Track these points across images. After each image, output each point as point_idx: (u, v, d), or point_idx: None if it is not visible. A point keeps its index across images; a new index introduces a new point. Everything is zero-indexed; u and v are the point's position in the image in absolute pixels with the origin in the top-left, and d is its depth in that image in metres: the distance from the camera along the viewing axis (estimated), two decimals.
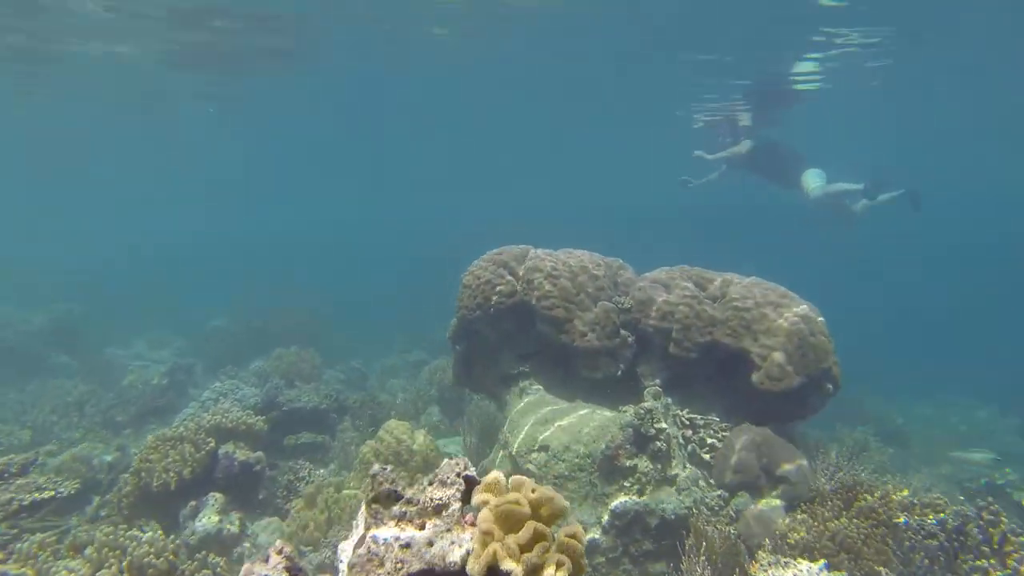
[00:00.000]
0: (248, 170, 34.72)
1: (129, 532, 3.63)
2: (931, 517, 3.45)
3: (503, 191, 46.43)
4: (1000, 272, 34.94)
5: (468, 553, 1.38)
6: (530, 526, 1.33)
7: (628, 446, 3.87)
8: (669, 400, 4.38)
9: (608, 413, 4.27)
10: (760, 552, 3.31)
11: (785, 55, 11.98)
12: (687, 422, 4.26)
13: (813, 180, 9.77)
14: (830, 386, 4.26)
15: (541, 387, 4.65)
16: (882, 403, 14.39)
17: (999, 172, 31.61)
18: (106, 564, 3.30)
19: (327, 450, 5.81)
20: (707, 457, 4.17)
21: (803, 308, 4.26)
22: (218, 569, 3.48)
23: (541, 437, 4.11)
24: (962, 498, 8.05)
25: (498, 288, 4.62)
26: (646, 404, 3.93)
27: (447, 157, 30.34)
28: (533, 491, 1.41)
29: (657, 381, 4.45)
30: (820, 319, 4.29)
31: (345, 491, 4.28)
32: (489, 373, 4.89)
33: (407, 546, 1.44)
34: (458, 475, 1.57)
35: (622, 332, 4.50)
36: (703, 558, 3.19)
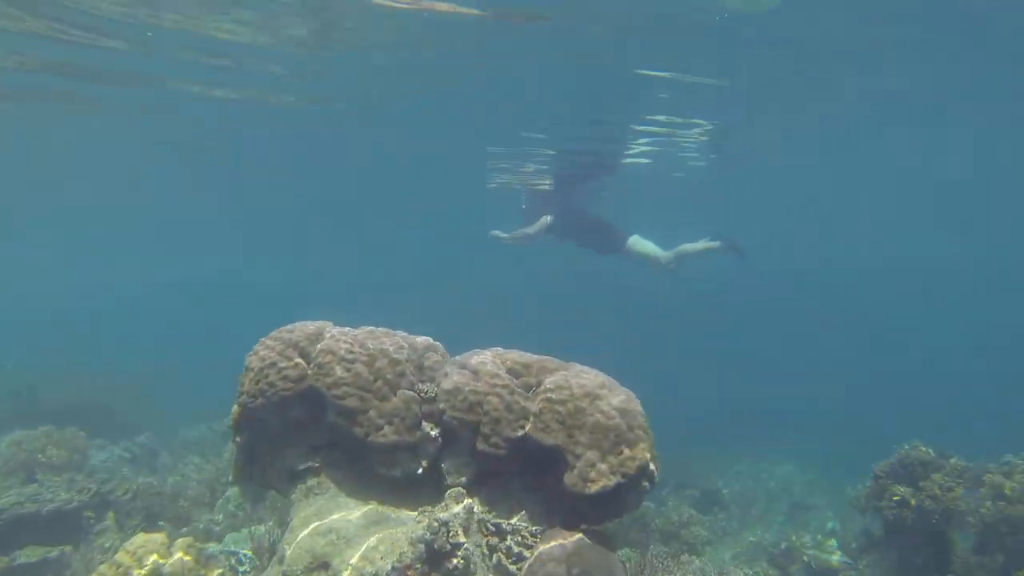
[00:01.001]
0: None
1: None
2: None
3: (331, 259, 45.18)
4: (811, 330, 39.20)
5: None
6: None
7: (419, 565, 3.30)
8: (474, 502, 3.91)
9: (405, 520, 3.69)
10: None
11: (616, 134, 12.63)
12: (493, 528, 3.78)
13: (644, 246, 10.13)
14: (647, 484, 4.01)
15: (333, 486, 3.98)
16: (707, 463, 15.10)
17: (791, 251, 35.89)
18: None
19: (65, 567, 4.61)
20: (515, 568, 3.70)
21: (621, 399, 4.00)
22: None
23: (320, 551, 3.46)
24: (766, 564, 8.35)
25: (285, 372, 3.93)
26: (441, 515, 3.40)
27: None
28: None
29: (463, 479, 3.96)
30: (639, 411, 4.05)
31: None
32: (275, 468, 4.13)
33: None
34: None
35: (424, 425, 3.96)
36: None
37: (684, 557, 6.20)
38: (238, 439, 4.29)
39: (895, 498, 5.89)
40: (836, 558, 7.68)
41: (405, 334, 4.55)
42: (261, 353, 4.00)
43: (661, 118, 11.53)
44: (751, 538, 9.82)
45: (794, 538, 8.19)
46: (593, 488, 3.68)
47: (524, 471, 4.14)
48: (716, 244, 9.56)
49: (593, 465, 3.71)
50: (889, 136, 14.95)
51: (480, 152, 14.25)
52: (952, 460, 6.06)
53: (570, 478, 3.72)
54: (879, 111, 12.25)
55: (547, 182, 15.53)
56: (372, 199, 24.67)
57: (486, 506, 4.04)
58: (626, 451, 3.82)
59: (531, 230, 10.52)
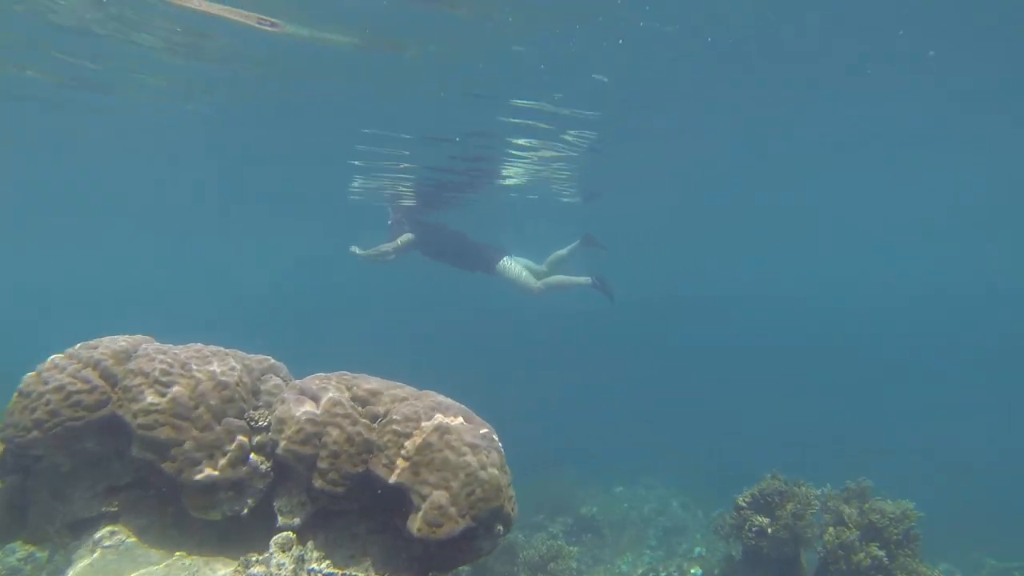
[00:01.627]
0: None
1: None
2: None
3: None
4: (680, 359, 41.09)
5: None
6: None
7: None
8: (309, 548, 3.45)
9: (220, 574, 3.17)
10: None
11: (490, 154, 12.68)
12: None
13: (515, 270, 10.06)
14: (501, 528, 3.73)
15: (133, 535, 3.37)
16: (583, 486, 15.14)
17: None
18: None
19: None
20: None
21: (476, 435, 3.68)
22: None
23: None
24: None
25: (76, 398, 3.30)
26: (255, 571, 2.92)
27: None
28: None
29: (296, 520, 3.49)
30: (496, 448, 3.76)
31: None
32: (56, 516, 3.44)
33: None
34: None
35: (252, 458, 3.46)
36: None
37: None
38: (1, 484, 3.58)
39: (754, 528, 5.97)
40: None
41: (243, 354, 4.03)
42: (45, 374, 3.35)
43: (528, 143, 11.72)
44: (623, 566, 9.82)
45: (660, 569, 8.18)
46: (439, 533, 3.33)
47: (371, 511, 3.74)
48: (587, 281, 9.79)
49: (440, 507, 3.37)
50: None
51: (341, 163, 13.78)
52: (803, 488, 6.25)
53: (414, 521, 3.35)
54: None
55: (410, 198, 15.28)
56: (227, 209, 23.46)
57: (324, 551, 3.60)
58: (478, 492, 3.50)
59: (390, 247, 10.23)
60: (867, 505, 5.81)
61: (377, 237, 10.68)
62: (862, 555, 5.47)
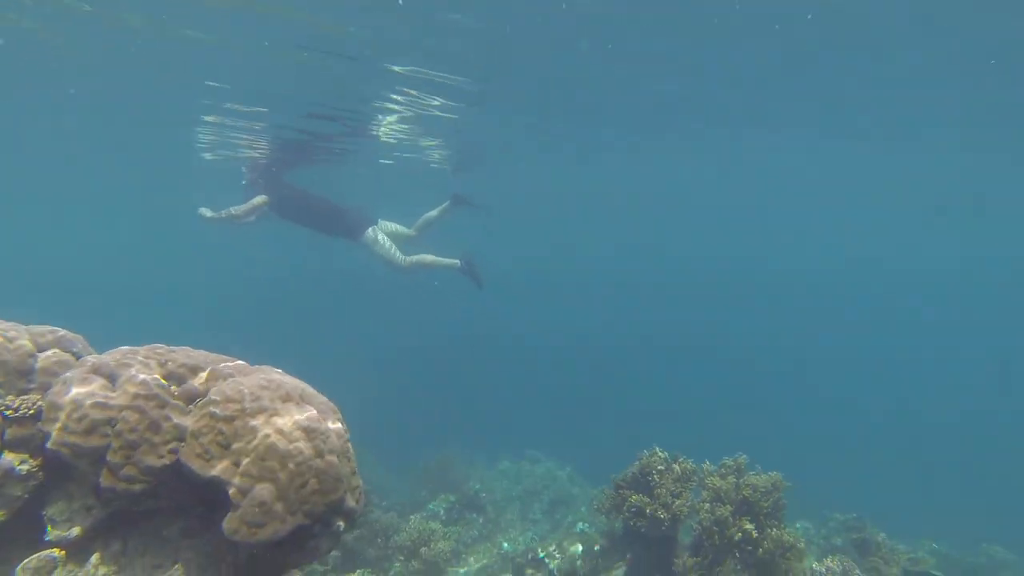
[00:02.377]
0: None
1: None
2: None
3: None
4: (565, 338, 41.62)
5: None
6: None
7: None
8: (96, 562, 2.79)
9: None
10: None
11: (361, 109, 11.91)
12: None
13: (383, 241, 9.46)
14: (342, 523, 3.22)
15: None
16: (466, 465, 14.85)
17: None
18: None
19: None
20: None
21: (312, 415, 3.13)
22: None
23: None
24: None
25: None
26: None
27: None
28: None
29: (74, 530, 2.81)
30: (336, 431, 3.21)
31: None
32: None
33: None
34: None
35: (5, 456, 2.72)
36: None
37: None
38: None
39: (632, 508, 5.81)
40: (579, 564, 7.60)
41: (21, 325, 3.23)
42: None
43: (397, 105, 11.11)
44: (505, 544, 9.59)
45: (540, 546, 7.97)
46: (260, 535, 2.77)
47: (189, 509, 3.11)
48: (456, 264, 9.38)
49: (262, 504, 2.79)
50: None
51: (191, 118, 12.50)
52: (682, 465, 6.16)
53: (231, 522, 2.77)
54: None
55: (264, 156, 14.08)
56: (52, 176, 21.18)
57: (118, 563, 2.95)
58: (312, 484, 2.96)
59: (241, 209, 9.29)
60: (742, 480, 5.79)
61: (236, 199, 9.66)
62: (734, 529, 5.44)
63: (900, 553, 7.18)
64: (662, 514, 5.70)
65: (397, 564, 7.58)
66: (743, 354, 38.73)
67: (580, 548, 7.80)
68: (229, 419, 2.94)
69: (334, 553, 7.40)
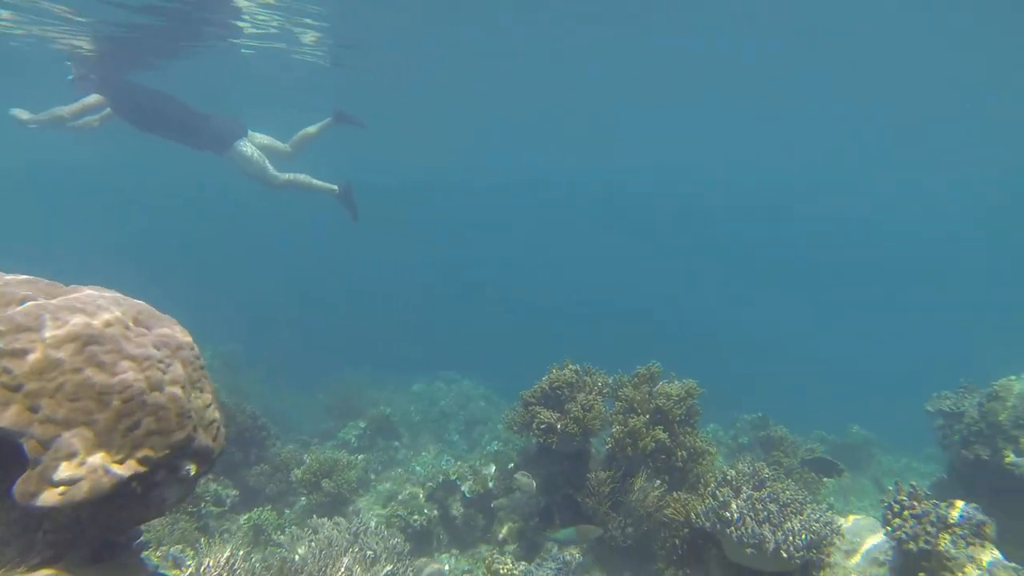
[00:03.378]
0: None
1: None
2: None
3: None
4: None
5: None
6: None
7: None
8: None
9: None
10: None
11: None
12: None
13: (252, 155, 8.45)
14: (193, 466, 2.67)
15: None
16: (377, 388, 14.45)
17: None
18: None
19: None
20: None
21: (142, 339, 2.50)
22: None
23: None
24: (424, 500, 7.88)
25: None
26: None
27: None
28: None
29: None
30: (183, 356, 2.62)
31: None
32: None
33: None
34: None
35: None
36: None
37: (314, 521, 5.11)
38: None
39: (542, 425, 5.56)
40: (492, 484, 7.42)
41: None
42: None
43: None
44: (418, 468, 9.31)
45: (452, 469, 7.72)
46: (74, 495, 2.18)
47: None
48: (335, 190, 8.58)
49: (72, 455, 2.19)
50: None
51: None
52: (593, 377, 5.95)
53: (27, 484, 2.16)
54: None
55: (91, 46, 11.84)
56: None
57: None
58: (147, 423, 2.38)
59: (69, 111, 7.94)
60: (655, 389, 5.64)
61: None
62: (648, 440, 5.30)
63: (797, 445, 7.49)
64: (573, 428, 5.49)
65: (301, 499, 7.14)
66: (660, 274, 39.81)
67: (493, 468, 7.61)
68: (22, 354, 2.27)
69: (232, 492, 6.85)
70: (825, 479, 7.31)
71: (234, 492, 6.73)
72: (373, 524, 6.75)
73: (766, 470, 4.53)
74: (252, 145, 8.33)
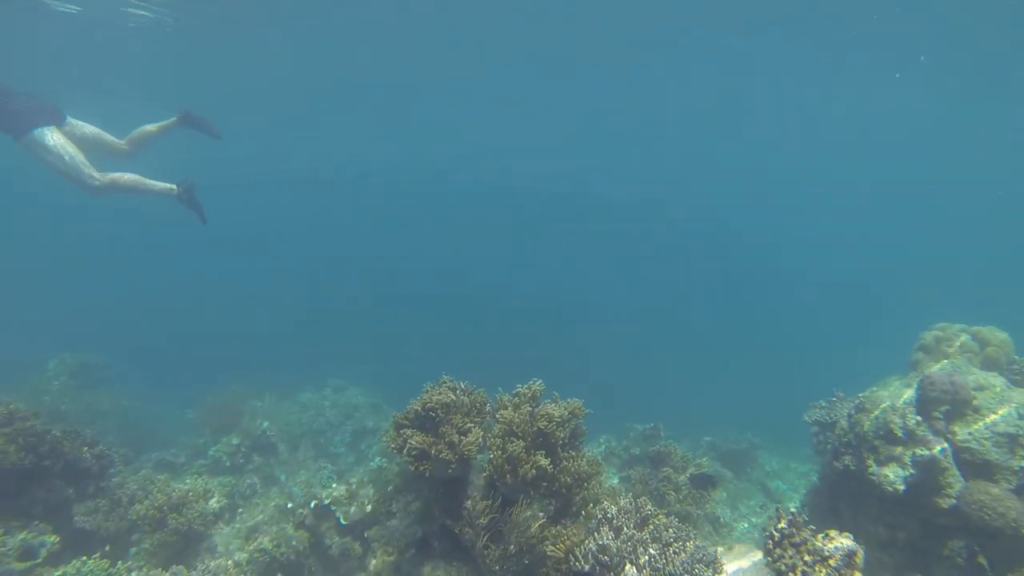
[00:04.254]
0: None
1: None
2: None
3: None
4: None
5: None
6: None
7: None
8: None
9: None
10: None
11: None
12: None
13: (59, 147, 7.24)
14: None
15: None
16: (258, 398, 13.40)
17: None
18: None
19: None
20: None
21: None
22: None
23: None
24: (292, 528, 7.16)
25: None
26: None
27: None
28: None
29: None
30: None
31: None
32: None
33: None
34: None
35: None
36: None
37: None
38: None
39: (413, 451, 5.03)
40: (369, 508, 6.83)
41: None
42: None
43: None
44: (296, 489, 8.52)
45: (326, 492, 7.06)
46: None
47: None
48: (172, 190, 7.51)
49: None
50: None
51: None
52: (473, 396, 5.49)
53: None
54: None
55: None
56: None
57: None
58: None
59: None
60: (537, 410, 5.25)
61: None
62: (528, 466, 4.89)
63: (687, 460, 7.39)
64: (447, 455, 5.00)
65: (145, 538, 6.22)
66: (554, 277, 39.85)
67: (372, 490, 7.01)
68: None
69: (50, 539, 5.83)
70: (712, 492, 7.27)
71: (53, 539, 5.71)
72: (231, 565, 6.01)
73: (649, 505, 4.24)
74: (61, 136, 6.97)
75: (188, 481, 7.47)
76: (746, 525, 8.72)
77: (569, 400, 5.53)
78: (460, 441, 5.07)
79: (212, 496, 6.64)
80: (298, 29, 15.91)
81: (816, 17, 14.34)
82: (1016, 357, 7.81)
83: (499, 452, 5.03)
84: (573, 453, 5.34)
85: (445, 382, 5.71)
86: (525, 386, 5.55)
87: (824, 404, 7.58)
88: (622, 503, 4.22)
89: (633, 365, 22.19)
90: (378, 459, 9.50)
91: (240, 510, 7.60)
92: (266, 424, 10.64)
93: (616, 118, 27.14)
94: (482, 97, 23.74)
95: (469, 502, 5.11)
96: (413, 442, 5.01)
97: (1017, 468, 6.10)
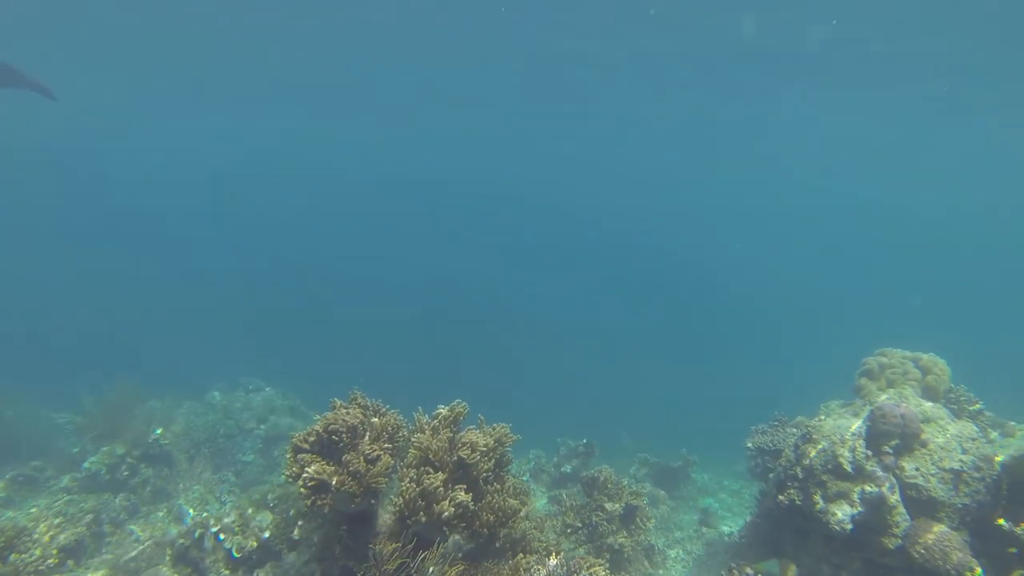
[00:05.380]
0: None
1: None
2: None
3: None
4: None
5: None
6: None
7: None
8: None
9: None
10: None
11: None
12: None
13: None
14: None
15: None
16: (156, 399, 12.16)
17: None
18: None
19: None
20: None
21: None
22: None
23: None
24: (169, 567, 6.20)
25: None
26: None
27: None
28: None
29: None
30: None
31: None
32: None
33: None
34: None
35: None
36: None
37: None
38: None
39: (311, 482, 4.24)
40: (267, 536, 5.96)
41: None
42: None
43: None
44: (189, 510, 7.51)
45: (214, 519, 6.14)
46: None
47: None
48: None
49: None
50: None
51: None
52: (381, 417, 4.73)
53: None
54: None
55: None
56: None
57: None
58: None
59: None
60: (459, 437, 4.55)
61: None
62: (446, 503, 4.19)
63: (621, 487, 6.85)
64: (351, 486, 4.24)
65: None
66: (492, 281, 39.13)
67: (269, 518, 6.14)
68: None
69: None
70: (648, 523, 6.76)
71: None
72: None
73: (583, 571, 3.62)
74: None
75: (40, 504, 6.34)
76: (680, 552, 8.28)
77: (495, 426, 4.86)
78: (367, 471, 4.31)
79: (65, 529, 5.56)
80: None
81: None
82: (951, 385, 7.68)
83: (412, 484, 4.30)
84: (498, 486, 4.67)
85: (356, 398, 4.94)
86: (447, 407, 4.84)
87: (766, 428, 7.21)
88: (551, 565, 3.59)
89: (568, 376, 21.77)
90: (284, 473, 8.55)
91: (110, 540, 6.54)
92: (160, 430, 9.47)
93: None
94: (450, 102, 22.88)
95: (376, 544, 4.36)
96: (310, 471, 4.22)
97: (960, 505, 5.84)
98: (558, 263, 44.42)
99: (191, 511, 7.35)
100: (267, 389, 13.91)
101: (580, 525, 6.57)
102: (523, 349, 25.70)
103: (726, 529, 9.51)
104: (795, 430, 6.82)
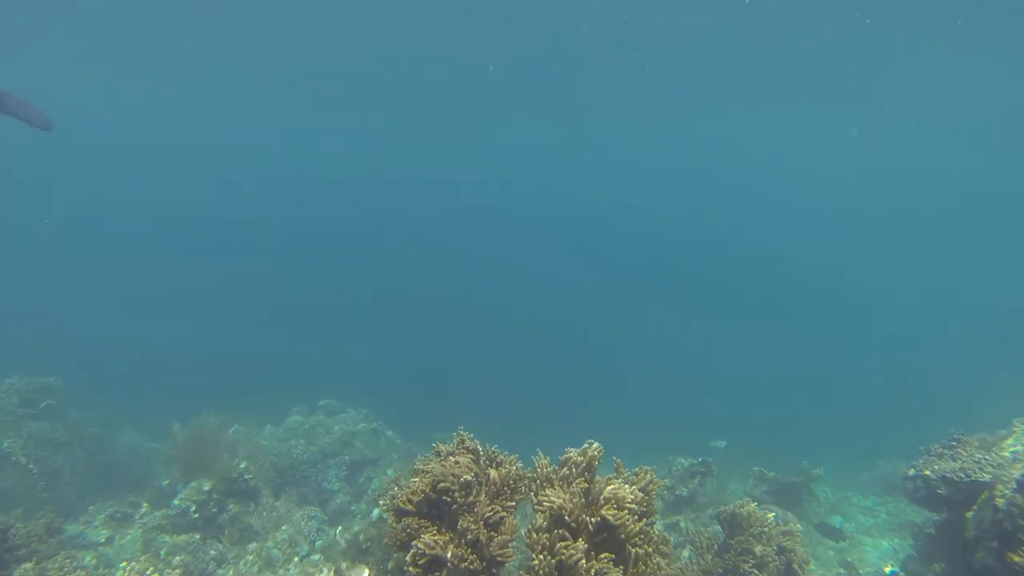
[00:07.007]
0: None
1: None
2: None
3: None
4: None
5: None
6: None
7: None
8: None
9: None
10: None
11: None
12: None
13: None
14: None
15: None
16: (242, 421, 11.84)
17: None
18: None
19: None
20: None
21: None
22: None
23: None
24: None
25: None
26: None
27: None
28: None
29: None
30: None
31: None
32: None
33: None
34: None
35: None
36: None
37: None
38: None
39: (421, 560, 3.41)
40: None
41: None
42: None
43: None
44: (275, 552, 6.93)
45: (304, 558, 5.48)
46: None
47: None
48: None
49: None
50: None
51: None
52: (504, 469, 3.87)
53: None
54: None
55: None
56: None
57: None
58: None
59: None
60: (599, 489, 3.65)
61: None
62: None
63: (772, 527, 5.77)
64: (472, 562, 3.41)
65: None
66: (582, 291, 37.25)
67: (366, 573, 5.42)
68: None
69: None
70: (807, 565, 5.69)
71: None
72: None
73: None
74: None
75: (135, 551, 5.87)
76: None
77: (637, 471, 3.94)
78: (489, 539, 3.47)
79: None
80: None
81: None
82: None
83: (545, 556, 3.42)
84: (649, 548, 3.73)
85: (463, 440, 4.11)
86: (577, 450, 3.94)
87: (942, 450, 5.96)
88: None
89: (664, 385, 20.48)
90: (378, 509, 7.88)
91: None
92: (244, 464, 8.99)
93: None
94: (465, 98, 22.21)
95: None
96: (421, 545, 3.41)
97: None
98: (637, 266, 42.10)
99: (279, 555, 6.75)
100: (347, 411, 13.43)
101: (722, 572, 5.57)
102: (609, 354, 24.53)
103: (883, 566, 8.24)
104: (983, 454, 5.57)
